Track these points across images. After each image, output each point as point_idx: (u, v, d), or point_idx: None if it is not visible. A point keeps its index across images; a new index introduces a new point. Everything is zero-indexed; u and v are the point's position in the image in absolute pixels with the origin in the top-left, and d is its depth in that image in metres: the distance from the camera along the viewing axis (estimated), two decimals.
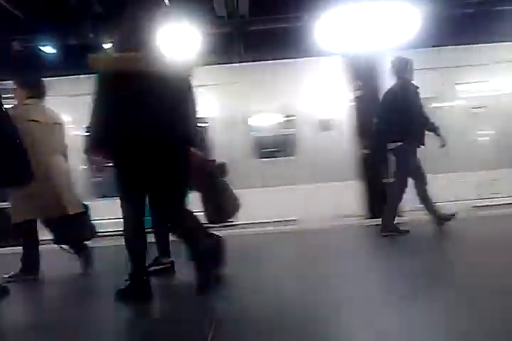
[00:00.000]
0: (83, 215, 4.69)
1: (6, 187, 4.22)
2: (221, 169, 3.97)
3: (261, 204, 7.79)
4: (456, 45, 8.96)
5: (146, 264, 3.51)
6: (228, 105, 8.78)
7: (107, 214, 5.60)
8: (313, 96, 8.93)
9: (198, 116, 3.38)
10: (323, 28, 7.58)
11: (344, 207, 7.14)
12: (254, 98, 8.63)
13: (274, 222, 7.62)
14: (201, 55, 8.03)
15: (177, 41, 7.93)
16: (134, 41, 3.26)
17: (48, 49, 9.07)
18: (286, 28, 8.90)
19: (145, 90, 3.12)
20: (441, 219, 5.44)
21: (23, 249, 4.48)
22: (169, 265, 4.15)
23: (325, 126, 8.50)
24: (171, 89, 3.19)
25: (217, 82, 8.63)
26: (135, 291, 3.26)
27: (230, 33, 9.27)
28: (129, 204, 3.29)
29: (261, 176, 8.33)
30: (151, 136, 3.13)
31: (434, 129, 5.53)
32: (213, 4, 8.54)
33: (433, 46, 8.96)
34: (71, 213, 4.51)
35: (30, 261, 4.44)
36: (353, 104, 7.63)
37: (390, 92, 5.51)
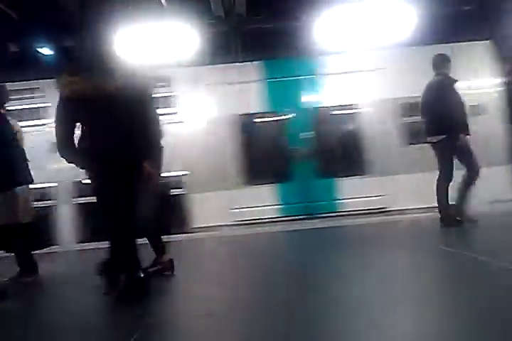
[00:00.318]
0: (35, 224, 4.63)
1: (6, 189, 4.23)
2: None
3: (413, 190, 7.84)
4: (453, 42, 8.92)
5: (145, 266, 3.66)
6: (378, 91, 8.68)
7: None
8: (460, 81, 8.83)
9: (159, 130, 3.66)
10: (321, 27, 7.60)
11: (496, 192, 7.08)
12: (402, 84, 8.48)
13: (428, 207, 7.69)
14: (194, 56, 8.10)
15: (173, 40, 7.95)
16: (96, 58, 3.42)
17: (45, 50, 9.04)
18: (284, 27, 8.91)
19: (106, 110, 3.33)
20: (465, 220, 5.34)
21: (14, 253, 4.48)
22: (168, 263, 4.17)
23: (474, 111, 8.45)
24: (131, 108, 3.37)
25: (367, 68, 8.60)
26: (131, 290, 3.30)
27: (227, 32, 9.27)
28: (107, 208, 3.42)
29: (411, 162, 8.22)
30: (111, 151, 3.34)
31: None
32: (210, 4, 8.54)
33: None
34: (24, 222, 4.46)
35: (27, 264, 4.44)
36: (503, 88, 7.78)
37: (429, 87, 5.61)
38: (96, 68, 3.37)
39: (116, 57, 3.51)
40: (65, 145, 3.47)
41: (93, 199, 3.42)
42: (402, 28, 7.60)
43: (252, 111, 8.73)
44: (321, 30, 7.67)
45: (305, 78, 8.75)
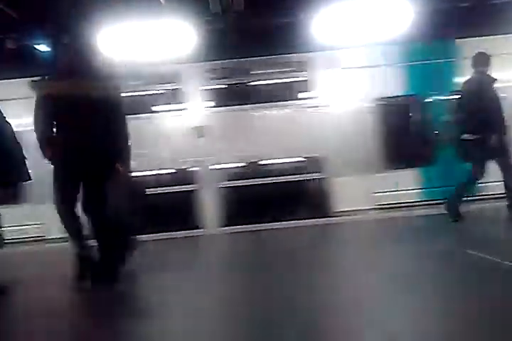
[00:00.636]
0: None
1: (4, 186, 4.20)
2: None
3: None
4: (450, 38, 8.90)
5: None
6: None
7: None
8: None
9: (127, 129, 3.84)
10: (320, 24, 7.59)
11: None
12: None
13: None
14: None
15: (171, 38, 7.92)
16: (75, 58, 3.68)
17: (43, 47, 8.99)
18: (282, 24, 8.88)
19: (79, 111, 3.58)
20: None
21: None
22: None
23: None
24: (104, 109, 3.63)
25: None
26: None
27: (224, 29, 9.23)
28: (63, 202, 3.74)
29: None
30: (83, 152, 3.60)
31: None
32: (208, 1, 8.49)
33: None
34: None
35: None
36: None
37: (468, 85, 5.65)
38: (73, 69, 3.58)
39: (95, 58, 3.63)
40: (44, 140, 3.67)
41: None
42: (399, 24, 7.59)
43: (393, 95, 8.72)
44: (320, 26, 7.66)
45: (447, 62, 8.71)
